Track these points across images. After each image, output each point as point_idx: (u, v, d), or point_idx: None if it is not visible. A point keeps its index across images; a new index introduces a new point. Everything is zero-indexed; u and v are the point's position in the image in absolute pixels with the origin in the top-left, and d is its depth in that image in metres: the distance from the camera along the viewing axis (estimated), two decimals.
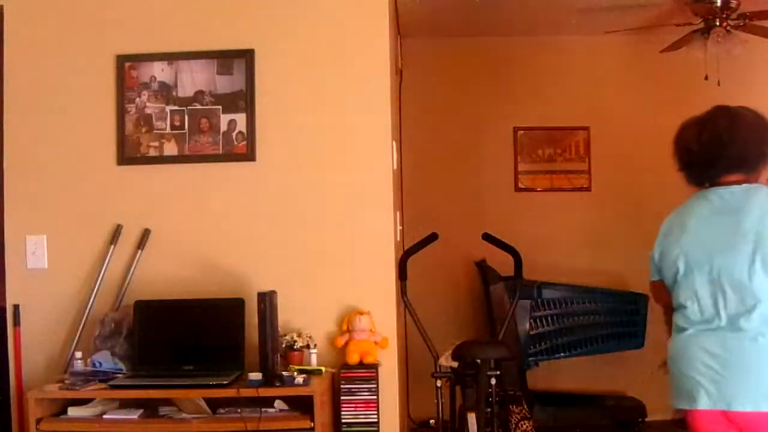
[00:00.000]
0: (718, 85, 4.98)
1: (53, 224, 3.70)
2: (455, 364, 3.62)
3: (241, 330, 3.45)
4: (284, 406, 3.27)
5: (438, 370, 3.75)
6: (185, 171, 3.70)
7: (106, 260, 3.65)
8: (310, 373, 3.34)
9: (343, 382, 3.45)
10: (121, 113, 3.70)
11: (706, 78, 4.94)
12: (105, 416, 3.23)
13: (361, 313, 3.56)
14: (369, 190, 3.68)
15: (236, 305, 3.48)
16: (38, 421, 3.17)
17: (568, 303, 5.42)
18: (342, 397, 3.44)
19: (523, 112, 5.73)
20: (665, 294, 2.74)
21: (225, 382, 3.20)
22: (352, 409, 3.44)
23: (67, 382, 3.29)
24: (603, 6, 5.00)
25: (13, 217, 3.72)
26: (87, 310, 3.62)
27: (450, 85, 5.71)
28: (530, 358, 5.36)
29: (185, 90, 3.70)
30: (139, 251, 3.66)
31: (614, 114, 5.70)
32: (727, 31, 4.75)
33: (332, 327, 3.65)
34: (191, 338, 3.51)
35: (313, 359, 3.50)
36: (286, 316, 3.52)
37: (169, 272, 3.66)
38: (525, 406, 4.53)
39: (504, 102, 5.72)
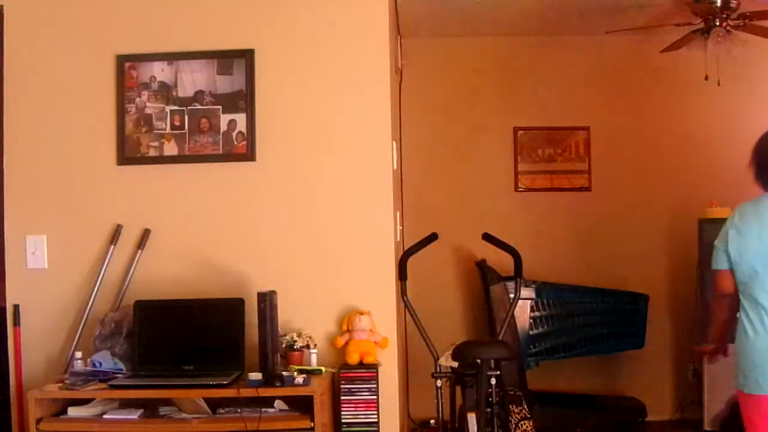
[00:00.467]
0: (718, 85, 4.98)
1: (53, 224, 3.70)
2: (455, 364, 3.62)
3: (241, 330, 3.45)
4: (284, 406, 3.27)
5: (438, 370, 3.75)
6: (185, 171, 3.71)
7: (106, 260, 3.65)
8: (310, 373, 3.34)
9: (343, 382, 3.46)
10: (121, 113, 3.70)
11: (706, 78, 4.94)
12: (105, 416, 3.23)
13: (361, 313, 3.56)
14: (369, 190, 3.68)
15: (236, 305, 3.48)
16: (38, 421, 3.17)
17: (568, 303, 5.42)
18: (342, 397, 3.44)
19: (523, 112, 5.73)
20: (732, 283, 2.94)
21: (225, 382, 3.20)
22: (352, 409, 3.44)
23: (67, 382, 3.29)
24: (603, 6, 5.00)
25: (13, 217, 3.72)
26: (87, 310, 3.62)
27: (450, 85, 5.70)
28: (530, 358, 5.35)
29: (185, 90, 3.70)
30: (139, 251, 3.66)
31: (614, 114, 5.70)
32: (727, 31, 4.75)
33: (332, 327, 3.65)
34: (191, 338, 3.51)
35: (313, 359, 3.50)
36: (286, 316, 3.52)
37: (169, 272, 3.66)
38: (525, 406, 4.52)
39: (504, 102, 5.72)
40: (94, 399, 3.28)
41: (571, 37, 5.62)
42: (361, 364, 3.52)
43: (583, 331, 5.43)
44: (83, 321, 3.61)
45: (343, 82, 3.69)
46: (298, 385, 3.19)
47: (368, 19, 3.72)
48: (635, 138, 5.68)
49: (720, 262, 3.01)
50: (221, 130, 3.68)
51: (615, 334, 5.47)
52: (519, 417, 4.36)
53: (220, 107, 3.69)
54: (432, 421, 5.10)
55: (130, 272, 3.66)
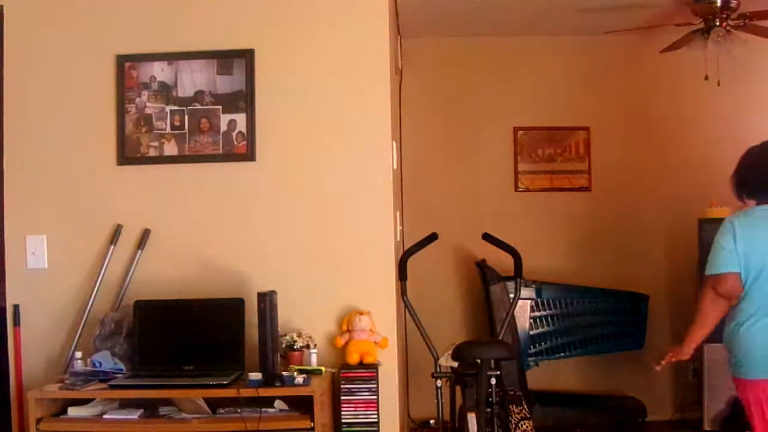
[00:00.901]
0: (718, 85, 4.98)
1: (53, 224, 3.70)
2: (455, 364, 3.62)
3: (241, 330, 3.45)
4: (284, 406, 3.27)
5: (438, 370, 3.75)
6: (185, 171, 3.71)
7: (106, 260, 3.65)
8: (310, 373, 3.34)
9: (343, 382, 3.46)
10: (121, 113, 3.70)
11: (706, 78, 4.94)
12: (105, 416, 3.23)
13: (361, 313, 3.56)
14: (369, 190, 3.68)
15: (236, 305, 3.48)
16: (38, 421, 3.17)
17: (568, 303, 5.42)
18: (342, 397, 3.44)
19: (523, 112, 5.73)
20: (740, 286, 3.17)
21: (225, 382, 3.20)
22: (352, 409, 3.44)
23: (67, 382, 3.29)
24: (603, 6, 4.99)
25: (13, 217, 3.72)
26: (87, 310, 3.62)
27: (450, 85, 5.70)
28: (530, 358, 5.36)
29: (185, 90, 3.70)
30: (139, 251, 3.66)
31: (614, 114, 5.70)
32: (727, 31, 4.75)
33: (332, 327, 3.65)
34: (191, 338, 3.51)
35: (313, 359, 3.50)
36: (286, 316, 3.52)
37: (169, 272, 3.66)
38: (525, 406, 4.52)
39: (504, 102, 5.72)
40: (94, 399, 3.28)
41: (571, 37, 5.62)
42: (361, 364, 3.52)
43: (583, 331, 5.43)
44: (83, 321, 3.61)
45: (343, 82, 3.69)
46: (298, 385, 3.19)
47: (368, 19, 3.72)
48: (635, 138, 5.68)
49: (730, 265, 3.16)
50: (221, 130, 3.68)
51: (615, 334, 5.47)
52: (519, 417, 4.36)
53: (220, 107, 3.69)
54: (432, 421, 5.11)
55: (130, 272, 3.66)
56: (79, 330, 3.60)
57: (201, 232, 3.70)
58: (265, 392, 3.17)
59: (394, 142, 3.87)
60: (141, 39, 3.72)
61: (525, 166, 5.78)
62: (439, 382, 3.75)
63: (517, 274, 3.86)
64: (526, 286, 5.27)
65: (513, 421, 4.22)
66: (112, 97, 3.71)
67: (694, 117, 5.65)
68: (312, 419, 3.16)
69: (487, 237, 4.01)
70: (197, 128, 3.69)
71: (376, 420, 3.44)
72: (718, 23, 4.73)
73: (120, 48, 3.71)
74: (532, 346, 5.35)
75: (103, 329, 3.52)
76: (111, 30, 3.73)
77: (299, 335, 3.53)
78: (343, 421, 3.43)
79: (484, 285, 5.35)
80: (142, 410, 3.26)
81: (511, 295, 4.85)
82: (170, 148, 3.69)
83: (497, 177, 5.76)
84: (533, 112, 5.72)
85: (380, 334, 3.59)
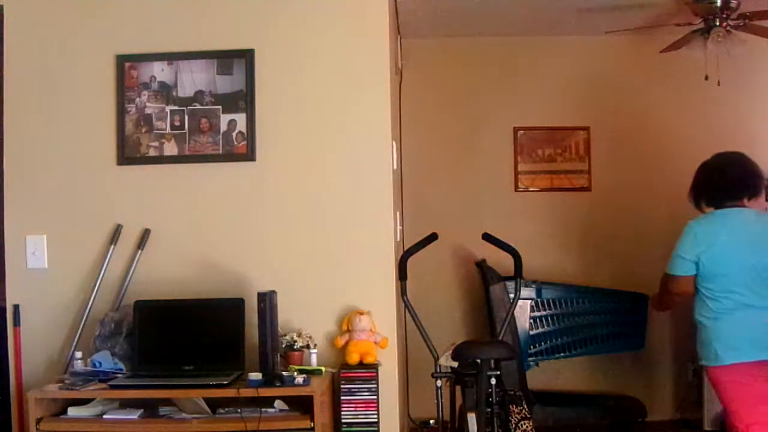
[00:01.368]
0: (718, 85, 4.98)
1: (53, 224, 3.71)
2: (455, 364, 3.62)
3: (241, 330, 3.45)
4: (284, 406, 3.27)
5: (438, 370, 3.75)
6: (185, 171, 3.71)
7: (106, 260, 3.65)
8: (310, 373, 3.34)
9: (343, 382, 3.46)
10: (121, 113, 3.70)
11: (706, 78, 4.93)
12: (105, 416, 3.23)
13: (361, 313, 3.56)
14: (369, 190, 3.68)
15: (236, 305, 3.48)
16: (38, 421, 3.17)
17: (568, 303, 5.42)
18: (342, 397, 3.44)
19: (523, 112, 5.73)
20: (693, 287, 3.59)
21: (225, 382, 3.20)
22: (352, 409, 3.44)
23: (67, 382, 3.29)
24: (603, 6, 4.99)
25: (13, 217, 3.73)
26: (87, 310, 3.62)
27: (450, 85, 5.70)
28: (530, 358, 5.36)
29: (185, 90, 3.70)
30: (139, 251, 3.66)
31: (614, 114, 5.69)
32: (727, 31, 4.74)
33: (332, 327, 3.65)
34: (191, 338, 3.51)
35: (313, 359, 3.50)
36: (286, 316, 3.52)
37: (169, 272, 3.66)
38: (525, 406, 4.52)
39: (504, 102, 5.71)
40: (94, 399, 3.28)
41: (571, 37, 5.61)
42: (361, 364, 3.52)
43: (583, 331, 5.43)
44: (83, 321, 3.61)
45: (343, 82, 3.69)
46: (298, 385, 3.19)
47: (368, 19, 3.72)
48: (635, 138, 5.68)
49: (686, 270, 3.59)
50: (221, 130, 3.68)
51: (615, 334, 5.47)
52: (519, 417, 4.36)
53: (220, 107, 3.69)
54: (432, 421, 5.11)
55: (130, 272, 3.66)
56: (79, 330, 3.60)
57: (201, 232, 3.70)
58: (265, 392, 3.17)
59: (394, 142, 3.87)
60: (141, 39, 3.72)
61: (525, 166, 5.77)
62: (439, 382, 3.75)
63: (517, 274, 3.86)
64: (526, 286, 5.26)
65: (513, 421, 4.22)
66: (112, 97, 3.72)
67: (694, 117, 5.64)
68: (312, 419, 3.16)
69: (487, 237, 4.01)
70: (197, 128, 3.69)
71: (376, 420, 3.44)
72: (718, 23, 4.72)
73: (120, 48, 3.71)
74: (532, 346, 5.34)
75: (103, 329, 3.52)
76: (111, 30, 3.73)
77: (299, 335, 3.53)
78: (343, 421, 3.43)
79: (484, 285, 5.34)
80: (142, 410, 3.26)
81: (511, 295, 4.84)
82: (170, 148, 3.69)
83: (497, 177, 5.76)
84: (533, 112, 5.71)
85: (380, 334, 3.59)
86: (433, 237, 3.88)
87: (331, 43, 3.70)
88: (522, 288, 4.00)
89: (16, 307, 3.68)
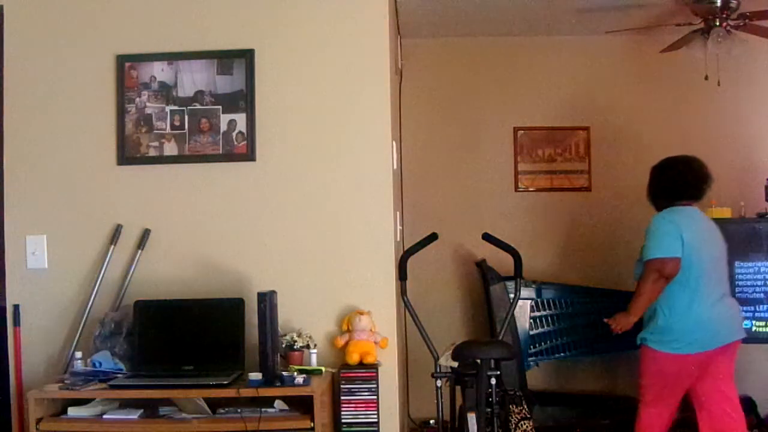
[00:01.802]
0: (718, 85, 4.98)
1: (53, 224, 3.71)
2: (455, 364, 3.62)
3: (241, 330, 3.46)
4: (284, 406, 3.27)
5: (438, 370, 3.75)
6: (185, 171, 3.71)
7: (106, 260, 3.65)
8: (310, 373, 3.34)
9: (343, 382, 3.46)
10: (121, 113, 3.70)
11: (706, 78, 4.93)
12: (105, 416, 3.23)
13: (361, 313, 3.56)
14: (369, 190, 3.68)
15: (236, 305, 3.48)
16: (38, 421, 3.17)
17: (568, 303, 5.41)
18: (342, 397, 3.44)
19: (523, 112, 5.72)
20: (679, 269, 3.77)
21: (225, 382, 3.20)
22: (352, 409, 3.44)
23: (67, 382, 3.29)
24: (603, 6, 4.99)
25: (13, 217, 3.73)
26: (87, 310, 3.62)
27: (450, 85, 5.70)
28: (530, 358, 5.35)
29: (185, 90, 3.70)
30: (139, 251, 3.66)
31: (614, 114, 5.69)
32: (727, 31, 4.74)
33: (332, 327, 3.65)
34: (191, 338, 3.51)
35: (313, 359, 3.50)
36: (286, 316, 3.53)
37: (169, 272, 3.66)
38: (525, 406, 4.52)
39: (504, 102, 5.71)
40: (94, 399, 3.28)
41: (571, 37, 5.61)
42: (361, 364, 3.52)
43: (583, 331, 5.42)
44: (83, 321, 3.61)
45: (343, 82, 3.69)
46: (298, 385, 3.19)
47: (368, 19, 3.72)
48: (635, 138, 5.67)
49: (675, 250, 3.77)
50: (221, 130, 3.68)
51: (615, 334, 5.46)
52: (519, 417, 4.36)
53: (220, 107, 3.69)
54: (432, 421, 5.10)
55: (130, 272, 3.66)
56: (79, 330, 3.60)
57: (201, 232, 3.70)
58: (265, 392, 3.17)
59: (394, 142, 3.87)
60: (141, 39, 3.72)
61: (525, 166, 5.77)
62: (439, 382, 3.75)
63: (517, 274, 3.86)
64: (526, 286, 5.26)
65: (513, 421, 4.22)
66: (112, 97, 3.72)
67: (694, 117, 5.64)
68: (312, 419, 3.16)
69: (487, 237, 4.01)
70: (197, 128, 3.69)
71: (376, 420, 3.44)
72: (718, 23, 4.72)
73: (120, 48, 3.72)
74: (532, 346, 5.34)
75: (103, 329, 3.52)
76: (111, 30, 3.74)
77: (299, 335, 3.53)
78: (343, 421, 3.44)
79: (484, 285, 5.34)
80: (142, 410, 3.26)
81: (511, 295, 4.84)
82: (170, 148, 3.69)
83: (497, 177, 5.75)
84: (533, 112, 5.71)
85: (380, 334, 3.59)
86: (433, 237, 3.88)
87: (331, 43, 3.70)
88: (522, 288, 4.00)
89: (16, 307, 3.68)
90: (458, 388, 3.72)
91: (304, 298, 3.62)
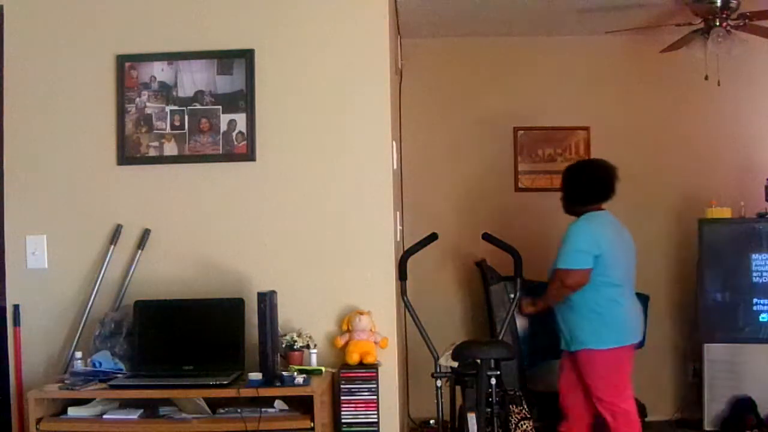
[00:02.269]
0: (718, 85, 4.98)
1: (53, 224, 3.71)
2: (455, 364, 3.62)
3: (241, 330, 3.46)
4: (284, 406, 3.27)
5: (438, 370, 3.75)
6: (185, 171, 3.71)
7: (106, 260, 3.65)
8: (310, 373, 3.34)
9: (343, 382, 3.45)
10: (121, 113, 3.70)
11: (706, 78, 4.93)
12: (105, 416, 3.23)
13: (361, 313, 3.56)
14: (369, 190, 3.68)
15: (236, 305, 3.48)
16: (38, 421, 3.17)
17: None
18: (342, 397, 3.44)
19: (523, 112, 5.73)
20: (587, 279, 3.95)
21: (225, 382, 3.20)
22: (352, 409, 3.44)
23: (67, 382, 3.29)
24: (603, 6, 4.99)
25: (13, 217, 3.73)
26: (87, 310, 3.62)
27: (450, 85, 5.70)
28: (530, 358, 5.35)
29: (185, 90, 3.70)
30: (139, 251, 3.66)
31: (614, 114, 5.69)
32: (727, 31, 4.74)
33: (332, 327, 3.65)
34: (191, 338, 3.51)
35: (313, 359, 3.50)
36: (286, 316, 3.52)
37: (169, 272, 3.66)
38: (525, 406, 4.53)
39: (504, 102, 5.71)
40: (94, 399, 3.28)
41: (571, 37, 5.62)
42: (361, 364, 3.52)
43: None
44: (83, 321, 3.61)
45: (343, 82, 3.69)
46: (298, 385, 3.19)
47: (368, 19, 3.72)
48: (635, 138, 5.67)
49: (584, 262, 3.94)
50: (221, 130, 3.68)
51: None
52: (519, 417, 4.36)
53: (220, 107, 3.69)
54: (432, 421, 5.10)
55: (130, 272, 3.66)
56: (79, 330, 3.60)
57: (201, 232, 3.70)
58: (265, 392, 3.17)
59: (394, 142, 3.87)
60: (141, 39, 3.72)
61: (525, 166, 5.77)
62: (439, 382, 3.75)
63: (517, 274, 3.87)
64: (527, 286, 5.26)
65: (513, 421, 4.23)
66: (112, 97, 3.72)
67: (694, 117, 5.64)
68: (312, 419, 3.16)
69: (487, 237, 4.01)
70: (197, 128, 3.69)
71: (376, 420, 3.44)
72: (718, 23, 4.72)
73: (120, 48, 3.71)
74: (532, 346, 5.34)
75: (103, 329, 3.52)
76: (111, 30, 3.73)
77: (299, 335, 3.53)
78: (343, 421, 3.43)
79: (484, 285, 5.34)
80: (142, 410, 3.26)
81: (511, 295, 4.84)
82: (170, 148, 3.69)
83: (497, 177, 5.75)
84: (533, 112, 5.71)
85: (380, 334, 3.59)
86: (433, 237, 3.88)
87: (331, 43, 3.70)
88: (522, 288, 4.00)
89: (16, 307, 3.68)
90: (458, 388, 3.72)
91: (304, 298, 3.62)
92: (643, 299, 5.48)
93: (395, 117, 4.14)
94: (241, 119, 3.67)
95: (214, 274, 3.65)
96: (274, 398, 3.24)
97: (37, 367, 3.65)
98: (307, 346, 3.52)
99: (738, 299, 5.26)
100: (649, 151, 5.69)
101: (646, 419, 5.41)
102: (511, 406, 4.24)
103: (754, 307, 5.21)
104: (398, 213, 4.27)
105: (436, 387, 3.75)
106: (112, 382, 3.28)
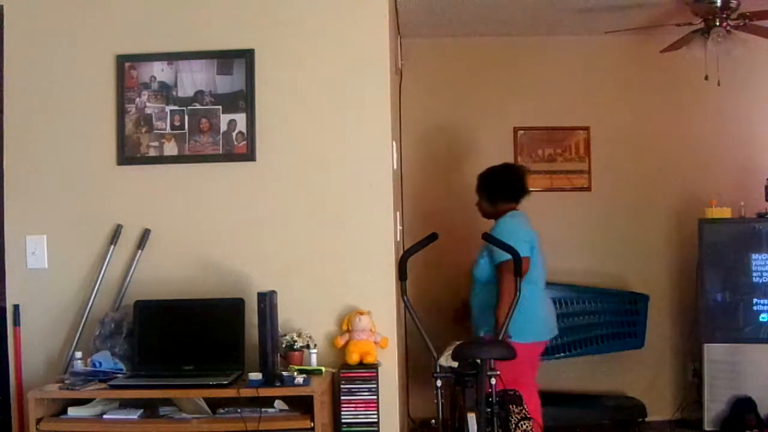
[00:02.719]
0: (718, 85, 4.98)
1: (53, 224, 3.71)
2: (455, 364, 3.62)
3: (241, 330, 3.46)
4: (284, 406, 3.27)
5: (438, 370, 3.75)
6: (185, 171, 3.71)
7: (106, 260, 3.65)
8: (310, 373, 3.34)
9: (343, 382, 3.46)
10: (121, 113, 3.70)
11: (706, 78, 4.93)
12: (105, 416, 3.23)
13: (361, 313, 3.56)
14: (369, 190, 3.68)
15: (236, 305, 3.48)
16: (38, 421, 3.17)
17: (568, 303, 5.42)
18: (342, 397, 3.44)
19: (523, 112, 5.73)
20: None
21: (225, 382, 3.20)
22: (352, 409, 3.44)
23: (67, 382, 3.29)
24: (603, 6, 4.99)
25: (13, 217, 3.73)
26: (87, 310, 3.62)
27: (450, 85, 5.70)
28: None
29: (185, 90, 3.70)
30: (139, 251, 3.66)
31: (614, 114, 5.69)
32: (727, 31, 4.74)
33: (332, 327, 3.65)
34: (191, 338, 3.51)
35: (313, 359, 3.50)
36: (286, 316, 3.53)
37: (169, 272, 3.66)
38: (525, 406, 4.52)
39: (504, 102, 5.72)
40: (94, 399, 3.28)
41: (571, 37, 5.62)
42: (361, 364, 3.52)
43: (583, 331, 5.43)
44: (83, 321, 3.61)
45: (343, 82, 3.69)
46: (298, 385, 3.19)
47: (368, 19, 3.72)
48: (635, 138, 5.68)
49: (528, 251, 4.10)
50: (221, 130, 3.68)
51: (615, 334, 5.47)
52: (519, 417, 4.35)
53: (220, 107, 3.69)
54: (432, 421, 5.10)
55: (130, 272, 3.66)
56: (79, 330, 3.60)
57: (201, 232, 3.70)
58: (265, 392, 3.17)
59: (394, 142, 3.87)
60: (141, 39, 3.72)
61: (525, 166, 5.77)
62: (439, 382, 3.75)
63: (517, 274, 3.86)
64: None
65: (513, 421, 4.22)
66: (112, 97, 3.72)
67: (694, 117, 5.65)
68: (312, 419, 3.16)
69: (487, 237, 4.01)
70: (197, 128, 3.69)
71: (376, 420, 3.44)
72: (718, 23, 4.72)
73: (120, 48, 3.71)
74: None
75: (103, 329, 3.52)
76: (111, 30, 3.73)
77: (299, 335, 3.53)
78: (343, 421, 3.43)
79: None
80: (142, 410, 3.26)
81: None
82: (170, 148, 3.69)
83: None
84: (533, 112, 5.72)
85: (380, 334, 3.59)
86: (433, 237, 3.87)
87: (331, 43, 3.70)
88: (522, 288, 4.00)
89: (16, 307, 3.68)
90: (458, 388, 3.72)
91: (304, 298, 3.62)
92: (643, 299, 5.51)
93: (395, 117, 4.14)
94: (241, 119, 3.67)
95: (214, 274, 3.65)
96: (274, 398, 3.24)
97: (37, 367, 3.65)
98: (307, 346, 3.52)
99: (738, 299, 5.26)
100: (649, 151, 5.69)
101: (646, 419, 5.42)
102: (511, 406, 4.23)
103: (754, 307, 5.22)
104: (398, 213, 4.27)
105: (436, 387, 3.75)
106: (112, 382, 3.28)
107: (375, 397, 3.45)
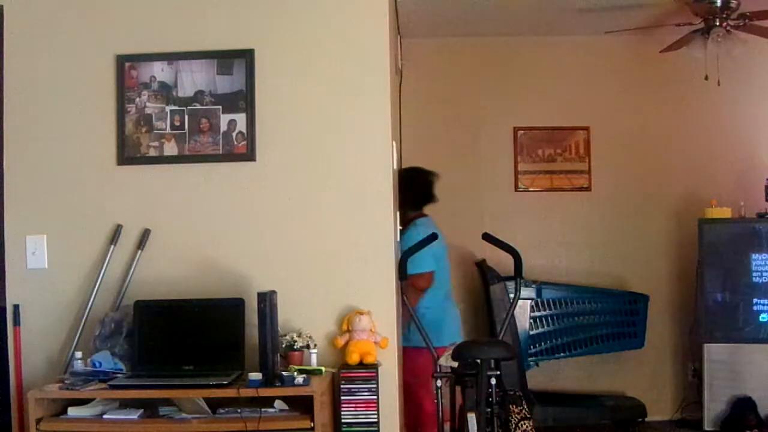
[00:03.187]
0: (718, 85, 4.99)
1: (53, 224, 3.70)
2: (455, 364, 3.62)
3: (241, 330, 3.45)
4: (284, 406, 3.27)
5: (438, 370, 3.75)
6: (185, 171, 3.70)
7: (106, 260, 3.65)
8: (310, 373, 3.34)
9: (343, 382, 3.45)
10: (121, 113, 3.70)
11: (706, 78, 4.94)
12: (105, 416, 3.23)
13: (361, 313, 3.56)
14: (369, 190, 3.68)
15: (236, 305, 3.48)
16: (38, 421, 3.17)
17: (568, 303, 5.43)
18: (342, 397, 3.44)
19: (523, 112, 5.73)
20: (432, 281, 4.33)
21: (225, 382, 3.20)
22: (352, 409, 3.44)
23: (67, 382, 3.29)
24: (603, 6, 5.00)
25: (13, 217, 3.72)
26: (87, 310, 3.62)
27: (450, 85, 5.71)
28: (530, 358, 5.36)
29: (185, 90, 3.70)
30: (139, 251, 3.66)
31: (614, 114, 5.70)
32: (727, 31, 4.75)
33: (332, 327, 3.64)
34: (191, 338, 3.50)
35: (313, 359, 3.50)
36: (286, 316, 3.52)
37: (169, 272, 3.66)
38: (525, 406, 4.52)
39: (504, 102, 5.72)
40: (94, 399, 3.28)
41: (571, 37, 5.62)
42: (361, 364, 3.51)
43: (583, 331, 5.44)
44: (83, 321, 3.61)
45: (343, 82, 3.69)
46: (298, 385, 3.19)
47: (368, 19, 3.71)
48: (635, 138, 5.69)
49: (432, 266, 4.25)
50: (221, 130, 3.68)
51: (615, 334, 5.48)
52: (519, 417, 4.35)
53: (220, 107, 3.69)
54: None
55: (130, 272, 3.66)
56: (79, 330, 3.60)
57: (201, 232, 3.69)
58: (265, 392, 3.17)
59: (394, 142, 3.87)
60: (141, 39, 3.72)
61: (525, 166, 5.78)
62: (439, 382, 3.75)
63: (517, 274, 3.86)
64: (526, 286, 5.27)
65: (513, 421, 4.22)
66: (112, 97, 3.71)
67: (694, 117, 5.65)
68: (312, 419, 3.15)
69: (487, 237, 4.01)
70: (197, 128, 3.69)
71: (376, 420, 3.44)
72: (718, 23, 4.73)
73: (120, 48, 3.71)
74: (532, 346, 5.35)
75: (103, 329, 3.52)
76: (111, 30, 3.73)
77: (299, 335, 3.53)
78: (343, 421, 3.43)
79: (484, 285, 5.35)
80: (142, 410, 3.26)
81: (511, 295, 4.85)
82: (170, 148, 3.69)
83: (497, 177, 5.76)
84: (533, 112, 5.72)
85: (380, 334, 3.59)
86: (432, 237, 3.88)
87: (331, 43, 3.69)
88: (522, 288, 4.00)
89: (16, 307, 3.68)
90: (458, 388, 3.72)
91: (304, 298, 3.61)
92: (643, 299, 5.51)
93: (395, 117, 4.14)
94: (241, 119, 3.67)
95: (214, 274, 3.65)
96: (274, 398, 3.24)
97: (37, 367, 3.65)
98: (307, 346, 3.52)
99: (738, 299, 5.27)
100: (649, 151, 5.70)
101: (646, 419, 5.42)
102: (511, 406, 4.23)
103: (754, 307, 5.22)
104: (398, 213, 4.27)
105: (436, 387, 3.75)
106: (112, 382, 3.28)
107: (375, 397, 3.45)
